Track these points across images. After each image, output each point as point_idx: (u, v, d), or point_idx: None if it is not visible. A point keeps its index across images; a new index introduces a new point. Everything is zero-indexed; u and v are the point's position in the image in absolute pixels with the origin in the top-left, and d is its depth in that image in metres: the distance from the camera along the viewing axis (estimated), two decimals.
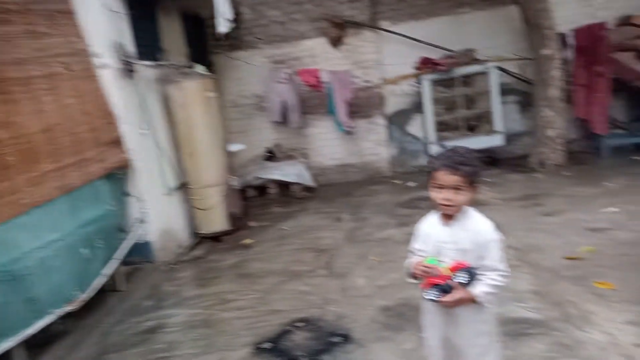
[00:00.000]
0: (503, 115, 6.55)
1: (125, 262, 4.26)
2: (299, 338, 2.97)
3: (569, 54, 6.54)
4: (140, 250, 4.51)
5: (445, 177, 1.76)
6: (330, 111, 6.78)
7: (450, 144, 6.45)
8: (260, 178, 6.87)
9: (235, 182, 5.24)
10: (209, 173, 5.01)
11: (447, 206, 1.82)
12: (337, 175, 7.35)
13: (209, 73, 5.09)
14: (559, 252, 3.64)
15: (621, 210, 4.32)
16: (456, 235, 1.86)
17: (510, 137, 7.08)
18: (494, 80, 6.38)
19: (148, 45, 4.94)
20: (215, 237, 5.26)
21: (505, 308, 2.92)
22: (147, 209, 4.47)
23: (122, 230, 4.25)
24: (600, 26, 6.01)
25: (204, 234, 5.26)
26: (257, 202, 6.87)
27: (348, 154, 7.28)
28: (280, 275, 4.05)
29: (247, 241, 5.09)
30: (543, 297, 3.01)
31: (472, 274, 1.80)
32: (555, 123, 6.16)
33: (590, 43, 6.12)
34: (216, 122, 5.06)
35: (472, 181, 1.80)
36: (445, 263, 1.85)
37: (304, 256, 4.42)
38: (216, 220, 5.17)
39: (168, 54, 5.33)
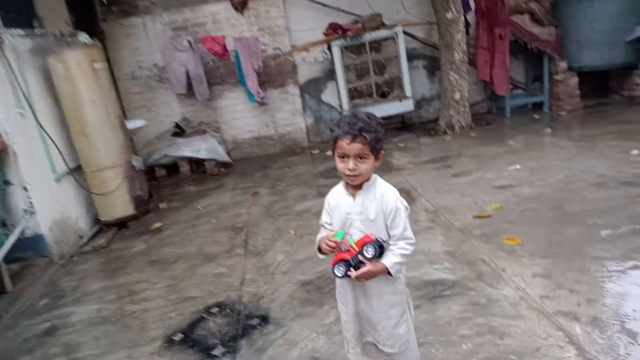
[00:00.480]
0: (412, 81, 6.62)
1: (12, 260, 3.76)
2: (214, 325, 2.77)
3: (471, 17, 6.72)
4: (31, 245, 4.01)
5: (347, 145, 1.63)
6: (240, 81, 6.43)
7: (365, 110, 6.46)
8: (169, 156, 6.42)
9: (139, 162, 4.79)
10: (105, 154, 4.52)
11: (352, 176, 1.69)
12: (253, 148, 7.09)
13: (94, 42, 4.51)
14: (469, 212, 3.74)
15: (523, 167, 4.55)
16: (362, 206, 1.75)
17: (420, 102, 7.23)
18: (402, 45, 6.39)
19: (18, 11, 4.26)
20: (120, 224, 4.82)
21: (420, 271, 2.94)
22: (34, 198, 3.94)
23: (3, 224, 3.72)
24: None
25: (106, 220, 4.79)
26: (167, 182, 6.44)
27: (263, 126, 7.02)
28: (194, 258, 3.78)
29: (157, 225, 4.73)
30: (456, 258, 3.06)
31: (380, 246, 1.70)
32: (461, 86, 6.35)
33: (489, 6, 6.31)
34: (108, 96, 4.55)
35: (375, 148, 1.68)
36: (353, 237, 1.74)
37: (219, 236, 4.17)
38: (119, 205, 4.73)
39: (45, 21, 4.66)
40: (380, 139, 1.69)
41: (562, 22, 6.21)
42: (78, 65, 4.28)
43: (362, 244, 1.70)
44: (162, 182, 6.45)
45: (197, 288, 3.27)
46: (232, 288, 3.18)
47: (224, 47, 6.03)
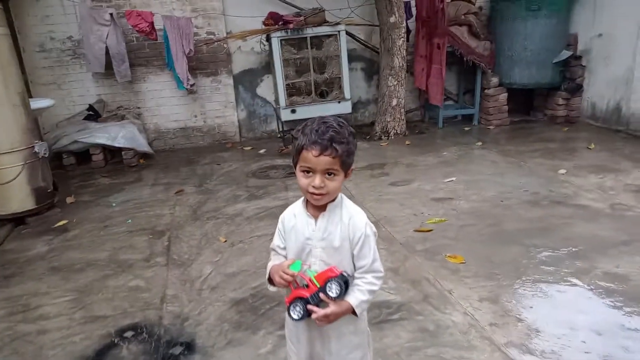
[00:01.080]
0: (350, 82, 6.47)
1: None
2: (128, 354, 2.36)
3: (412, 24, 6.71)
4: None
5: (314, 158, 1.36)
6: (167, 65, 5.87)
7: (301, 108, 6.22)
8: (81, 142, 5.69)
9: (43, 148, 4.14)
10: (1, 136, 3.84)
11: (317, 195, 1.42)
12: (179, 139, 6.54)
13: None
14: (409, 224, 3.62)
15: (458, 179, 4.55)
16: (326, 231, 1.49)
17: (357, 105, 7.11)
18: (344, 44, 6.21)
19: None
20: (17, 219, 4.14)
21: None
22: None
23: None
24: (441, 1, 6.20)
25: (0, 215, 4.09)
26: (76, 172, 5.73)
27: (191, 116, 6.49)
28: (105, 267, 3.29)
29: (61, 223, 4.11)
30: (400, 276, 2.91)
31: (346, 282, 1.45)
32: (398, 92, 6.30)
33: (430, 14, 6.31)
34: (8, 69, 3.85)
35: (346, 162, 1.42)
36: (313, 267, 1.48)
37: (136, 240, 3.69)
38: (16, 197, 4.05)
39: None
40: (353, 152, 1.42)
41: (496, 37, 6.38)
42: None
43: (325, 279, 1.43)
44: (70, 172, 5.72)
45: (108, 305, 2.81)
46: (151, 306, 2.77)
47: (152, 25, 5.45)
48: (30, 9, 5.59)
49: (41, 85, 5.83)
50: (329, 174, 1.39)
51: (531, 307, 2.53)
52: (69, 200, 4.66)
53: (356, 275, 1.51)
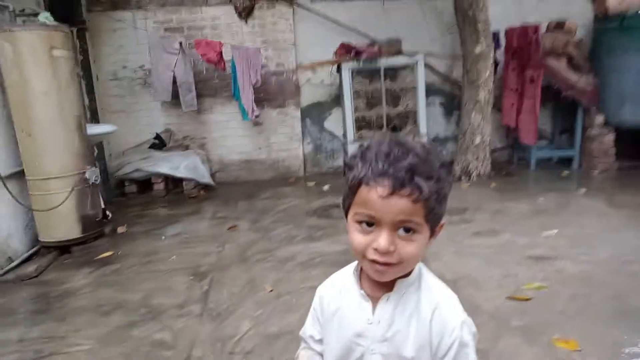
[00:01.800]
0: (427, 117, 5.86)
1: None
2: None
3: (500, 55, 6.03)
4: None
5: (382, 201, 0.82)
6: (234, 95, 5.65)
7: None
8: (143, 170, 5.55)
9: (94, 175, 3.93)
10: (52, 160, 3.67)
11: (383, 265, 0.86)
12: (242, 172, 6.24)
13: (58, 24, 3.71)
14: (500, 289, 2.87)
15: (560, 233, 3.71)
16: (391, 326, 0.94)
17: (433, 142, 6.45)
18: (421, 75, 5.66)
19: None
20: (63, 247, 3.92)
21: None
22: None
23: None
24: (535, 28, 5.50)
25: (46, 242, 3.89)
26: (136, 200, 5.56)
27: (255, 148, 6.19)
28: (134, 311, 2.87)
29: (106, 254, 3.83)
30: None
31: None
32: (483, 129, 5.58)
33: (522, 45, 5.62)
34: (66, 91, 3.71)
35: (435, 213, 0.85)
36: None
37: (175, 281, 3.27)
38: (63, 224, 3.84)
39: None
40: (446, 196, 0.87)
41: (601, 71, 5.50)
42: (31, 48, 3.47)
43: None
44: (131, 200, 5.56)
45: None
46: None
47: (220, 55, 5.27)
48: (106, 38, 5.67)
49: (111, 113, 5.82)
50: (406, 230, 0.84)
51: None
52: (120, 230, 4.41)
53: None
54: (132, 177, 5.62)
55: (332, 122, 6.23)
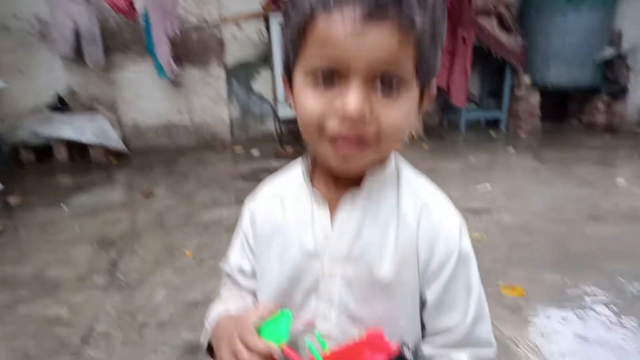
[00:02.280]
0: None
1: None
2: None
3: None
4: None
5: (354, 36, 0.52)
6: (147, 49, 5.05)
7: None
8: (42, 136, 4.84)
9: None
10: None
11: (354, 143, 0.59)
12: (160, 138, 5.67)
13: None
14: None
15: (495, 188, 3.66)
16: (360, 238, 0.67)
17: None
18: None
19: None
20: None
21: None
22: None
23: None
24: None
25: None
26: (34, 169, 4.84)
27: (175, 112, 5.63)
28: (23, 286, 2.38)
29: None
30: None
31: None
32: None
33: (454, 2, 5.51)
34: None
35: (429, 62, 0.59)
36: (322, 334, 0.65)
37: (77, 252, 2.79)
38: None
39: None
40: (442, 37, 0.60)
41: (529, 32, 5.55)
42: None
43: None
44: (28, 170, 4.83)
45: (7, 343, 1.90)
46: (66, 348, 1.85)
47: (131, 3, 4.63)
48: None
49: (0, 71, 4.99)
50: (387, 85, 0.57)
51: None
52: (12, 200, 3.77)
53: (429, 349, 0.67)
54: (29, 144, 4.89)
55: (261, 84, 5.81)
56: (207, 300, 2.15)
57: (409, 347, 0.56)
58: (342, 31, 0.52)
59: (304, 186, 0.71)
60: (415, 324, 0.67)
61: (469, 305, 0.66)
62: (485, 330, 0.67)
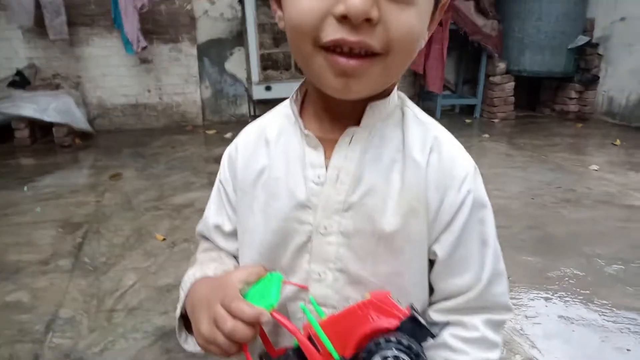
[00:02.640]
0: None
1: None
2: None
3: None
4: None
5: None
6: (115, 23, 4.79)
7: (278, 86, 5.23)
8: (1, 113, 4.54)
9: None
10: None
11: (357, 56, 0.47)
12: (127, 118, 5.43)
13: None
14: None
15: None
16: (361, 183, 0.58)
17: None
18: None
19: None
20: None
21: None
22: None
23: None
24: None
25: None
26: None
27: (143, 91, 5.40)
28: None
29: None
30: None
31: (414, 342, 0.47)
32: None
33: None
34: None
35: None
36: (316, 300, 0.55)
37: (39, 235, 2.62)
38: None
39: None
40: None
41: (505, 17, 5.55)
42: None
43: (363, 336, 0.45)
44: None
45: None
46: (28, 336, 1.72)
47: None
48: None
49: None
50: None
51: (628, 350, 1.62)
52: None
53: (438, 315, 0.60)
54: None
55: (234, 64, 5.63)
56: (180, 285, 2.05)
57: (417, 311, 0.49)
58: None
59: (294, 126, 0.61)
60: (422, 286, 0.60)
61: (484, 262, 0.58)
62: (502, 291, 0.59)
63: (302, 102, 0.63)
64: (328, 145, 0.58)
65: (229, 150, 0.69)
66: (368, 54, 0.47)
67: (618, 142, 4.54)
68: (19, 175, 3.74)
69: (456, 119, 5.93)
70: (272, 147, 0.62)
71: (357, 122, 0.57)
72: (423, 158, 0.57)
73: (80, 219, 2.82)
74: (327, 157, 0.58)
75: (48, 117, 4.55)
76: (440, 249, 0.58)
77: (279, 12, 0.55)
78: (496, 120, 5.70)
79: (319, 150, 0.58)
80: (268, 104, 5.50)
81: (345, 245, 0.57)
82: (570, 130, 5.21)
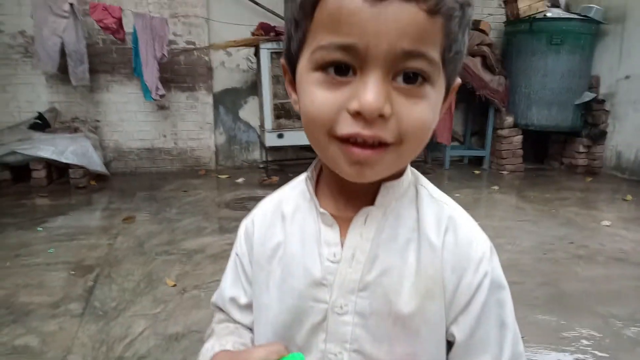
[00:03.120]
0: None
1: None
2: None
3: None
4: None
5: (373, 9, 0.45)
6: (136, 71, 4.99)
7: (290, 134, 5.34)
8: (20, 154, 4.66)
9: None
10: None
11: (370, 147, 0.49)
12: (143, 162, 5.54)
13: None
14: None
15: (482, 225, 3.62)
16: (375, 263, 0.58)
17: None
18: None
19: None
20: None
21: None
22: None
23: None
24: None
25: None
26: (10, 190, 4.65)
27: (159, 135, 5.53)
28: None
29: None
30: None
31: None
32: None
33: None
34: None
35: (458, 50, 0.51)
36: None
37: (51, 277, 2.63)
38: None
39: None
40: (470, 23, 0.51)
41: (512, 73, 5.71)
42: None
43: None
44: (3, 189, 4.63)
45: None
46: None
47: (119, 22, 4.60)
48: None
49: None
50: (411, 77, 0.48)
51: None
52: None
53: None
54: (6, 162, 4.70)
55: (248, 112, 5.79)
56: (189, 333, 2.04)
57: None
58: (360, 5, 0.45)
59: (310, 203, 0.62)
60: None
61: (503, 344, 0.57)
62: None
63: (317, 180, 0.64)
64: (343, 224, 0.59)
65: (245, 223, 0.70)
66: (382, 144, 0.49)
67: (629, 197, 4.54)
68: (33, 216, 3.79)
69: (465, 169, 5.98)
70: (288, 223, 0.63)
71: (372, 201, 0.59)
72: (438, 239, 0.58)
73: (92, 261, 2.84)
74: (343, 235, 0.59)
75: (65, 159, 4.66)
76: (458, 331, 0.57)
77: (294, 96, 0.57)
78: (505, 173, 5.73)
79: (334, 228, 0.59)
80: (280, 151, 5.62)
81: (361, 326, 0.57)
82: (580, 184, 5.23)
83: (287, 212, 0.64)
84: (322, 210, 0.60)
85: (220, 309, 0.73)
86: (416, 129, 0.49)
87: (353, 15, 0.45)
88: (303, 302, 0.59)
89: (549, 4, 5.90)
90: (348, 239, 0.58)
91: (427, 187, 0.63)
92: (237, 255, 0.69)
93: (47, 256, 2.94)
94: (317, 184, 0.64)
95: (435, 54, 0.48)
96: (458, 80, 0.57)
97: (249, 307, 0.68)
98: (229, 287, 0.70)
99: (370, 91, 0.46)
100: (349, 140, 0.49)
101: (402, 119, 0.48)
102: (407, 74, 0.48)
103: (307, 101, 0.50)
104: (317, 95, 0.49)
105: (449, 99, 0.57)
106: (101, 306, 2.29)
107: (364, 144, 0.48)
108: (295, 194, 0.65)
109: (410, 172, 0.62)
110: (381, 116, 0.47)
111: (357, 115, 0.47)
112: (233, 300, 0.70)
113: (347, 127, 0.48)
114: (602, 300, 2.42)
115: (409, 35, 0.45)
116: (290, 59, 0.55)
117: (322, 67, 0.49)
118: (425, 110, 0.50)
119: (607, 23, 5.48)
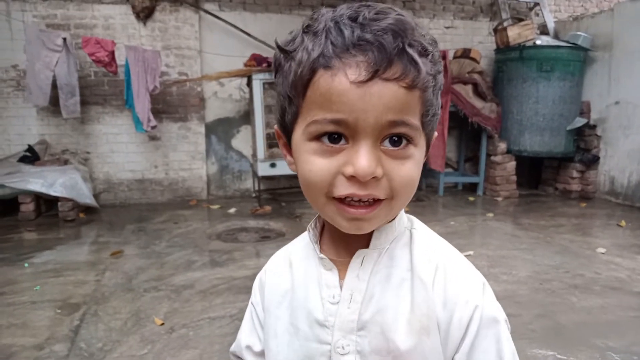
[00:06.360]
0: None
1: None
2: None
3: None
4: None
5: (360, 90, 0.50)
6: (127, 103, 4.99)
7: (283, 163, 5.33)
8: (9, 187, 4.60)
9: None
10: None
11: (365, 205, 0.55)
12: (133, 193, 5.49)
13: None
14: None
15: (477, 254, 3.61)
16: (371, 303, 0.61)
17: None
18: None
19: None
20: None
21: None
22: None
23: None
24: (443, 54, 5.64)
25: None
26: None
27: (150, 166, 5.50)
28: None
29: None
30: None
31: None
32: None
33: None
34: None
35: (434, 112, 0.58)
36: None
37: (36, 316, 2.55)
38: None
39: None
40: (441, 87, 0.59)
41: (503, 100, 5.78)
42: None
43: None
44: None
45: None
46: None
47: (112, 55, 4.63)
48: None
49: None
50: (396, 141, 0.54)
51: None
52: None
53: None
54: None
55: (240, 141, 5.79)
56: None
57: None
58: (347, 87, 0.50)
59: (313, 250, 0.66)
60: None
61: None
62: None
63: (323, 228, 0.68)
64: (343, 267, 0.63)
65: (260, 275, 0.75)
66: (375, 200, 0.54)
67: (623, 223, 4.53)
68: (20, 251, 3.72)
69: (459, 196, 5.96)
70: (294, 270, 0.68)
71: (368, 244, 0.62)
72: (429, 278, 0.60)
73: (79, 299, 2.76)
74: (342, 278, 0.62)
75: (54, 192, 4.61)
76: None
77: (289, 158, 0.62)
78: (499, 199, 5.72)
79: (333, 271, 0.63)
80: (272, 180, 5.59)
81: None
82: (574, 209, 5.22)
83: (295, 260, 0.69)
84: (321, 255, 0.64)
85: (236, 355, 0.76)
86: (405, 185, 0.55)
87: (342, 95, 0.50)
88: (308, 344, 0.63)
89: (538, 32, 6.02)
90: (346, 281, 0.62)
91: (422, 230, 0.67)
92: (252, 304, 0.74)
93: (32, 294, 2.86)
94: (322, 232, 0.68)
95: (415, 120, 0.54)
96: (435, 135, 0.62)
97: (263, 354, 0.72)
98: (246, 336, 0.74)
99: (363, 157, 0.51)
100: (345, 200, 0.54)
101: (392, 178, 0.54)
102: (393, 138, 0.53)
103: (306, 168, 0.55)
104: (315, 163, 0.54)
105: (428, 153, 0.62)
106: (87, 347, 2.21)
107: (359, 202, 0.54)
108: (303, 244, 0.70)
109: (407, 218, 0.66)
110: (374, 178, 0.52)
111: (352, 178, 0.52)
112: (249, 348, 0.73)
113: (344, 189, 0.53)
114: (598, 331, 2.37)
115: (392, 109, 0.51)
116: (284, 127, 0.60)
117: (317, 137, 0.54)
118: (412, 168, 0.55)
119: (595, 50, 5.58)
